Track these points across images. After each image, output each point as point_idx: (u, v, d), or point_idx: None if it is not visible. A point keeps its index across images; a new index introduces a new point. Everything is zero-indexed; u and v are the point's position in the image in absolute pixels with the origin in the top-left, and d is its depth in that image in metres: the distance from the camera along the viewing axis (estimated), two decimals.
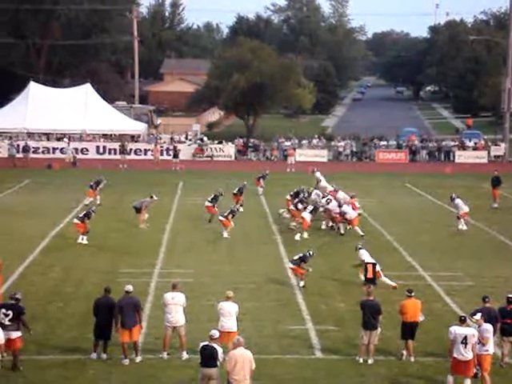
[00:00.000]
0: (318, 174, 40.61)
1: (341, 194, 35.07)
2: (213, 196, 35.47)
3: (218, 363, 15.66)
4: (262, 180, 43.24)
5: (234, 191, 38.54)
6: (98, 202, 37.83)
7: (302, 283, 24.43)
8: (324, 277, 25.82)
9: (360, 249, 25.46)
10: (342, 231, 32.69)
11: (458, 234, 33.16)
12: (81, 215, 30.81)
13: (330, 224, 33.46)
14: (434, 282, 25.39)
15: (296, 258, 24.92)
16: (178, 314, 18.59)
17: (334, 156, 62.21)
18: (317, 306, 22.69)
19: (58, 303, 22.35)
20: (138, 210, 33.71)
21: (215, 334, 15.88)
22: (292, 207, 34.22)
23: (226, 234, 31.72)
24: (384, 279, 24.24)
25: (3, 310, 17.63)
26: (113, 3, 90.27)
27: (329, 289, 24.52)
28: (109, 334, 18.42)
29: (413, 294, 18.91)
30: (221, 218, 32.20)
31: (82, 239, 30.18)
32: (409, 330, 18.66)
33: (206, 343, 15.75)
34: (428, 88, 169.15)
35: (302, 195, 35.27)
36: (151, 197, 34.47)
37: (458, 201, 34.10)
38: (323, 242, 31.25)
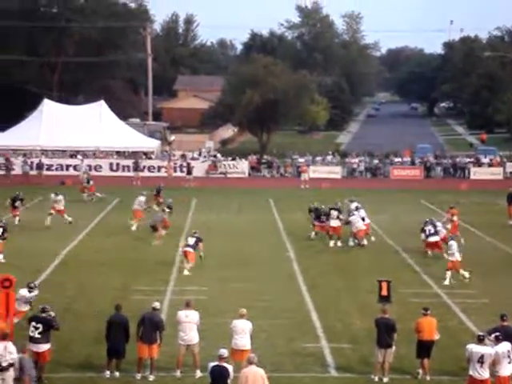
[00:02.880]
0: None
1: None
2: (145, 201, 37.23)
3: (229, 381, 15.49)
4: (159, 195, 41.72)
5: (155, 192, 40.79)
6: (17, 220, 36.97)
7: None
8: (339, 294, 25.65)
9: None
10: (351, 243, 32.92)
11: (473, 251, 32.83)
12: None
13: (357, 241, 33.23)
14: (450, 299, 25.13)
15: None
16: (192, 333, 18.45)
17: (348, 172, 62.03)
18: (331, 323, 22.50)
19: (71, 321, 22.17)
20: (155, 228, 33.56)
21: (224, 353, 15.72)
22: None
23: (187, 269, 28.07)
24: None
25: (33, 323, 17.88)
26: (126, 20, 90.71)
27: (344, 306, 24.32)
28: (122, 351, 18.32)
29: (429, 311, 18.71)
30: (188, 249, 28.42)
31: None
32: (424, 348, 18.44)
33: (216, 363, 15.57)
34: (442, 104, 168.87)
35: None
36: (163, 210, 34.45)
37: None
38: (339, 258, 31.09)
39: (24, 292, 20.81)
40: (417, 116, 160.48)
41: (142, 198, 37.22)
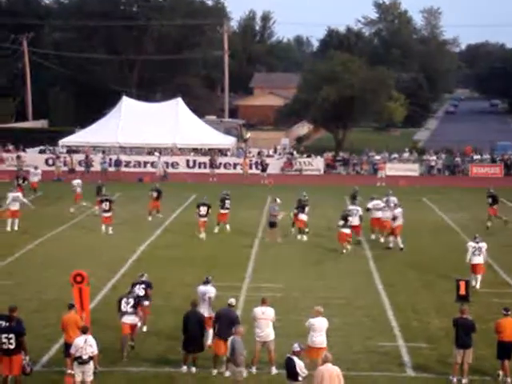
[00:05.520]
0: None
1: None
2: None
3: (300, 378, 15.47)
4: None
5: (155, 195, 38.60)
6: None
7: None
8: (416, 292, 25.32)
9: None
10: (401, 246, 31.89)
11: None
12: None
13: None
14: None
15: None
16: (268, 329, 18.45)
17: (425, 170, 61.18)
18: (408, 322, 22.21)
19: (148, 316, 22.42)
20: (275, 225, 33.36)
21: (296, 347, 15.82)
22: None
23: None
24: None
25: (124, 299, 19.48)
26: (204, 18, 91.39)
27: (421, 305, 23.98)
28: (199, 347, 18.44)
29: (509, 312, 18.27)
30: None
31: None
32: (505, 349, 18.04)
33: (288, 355, 15.78)
34: None
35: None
36: (275, 200, 34.29)
37: None
38: (416, 256, 30.71)
39: (208, 288, 20.11)
40: (497, 113, 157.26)
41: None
